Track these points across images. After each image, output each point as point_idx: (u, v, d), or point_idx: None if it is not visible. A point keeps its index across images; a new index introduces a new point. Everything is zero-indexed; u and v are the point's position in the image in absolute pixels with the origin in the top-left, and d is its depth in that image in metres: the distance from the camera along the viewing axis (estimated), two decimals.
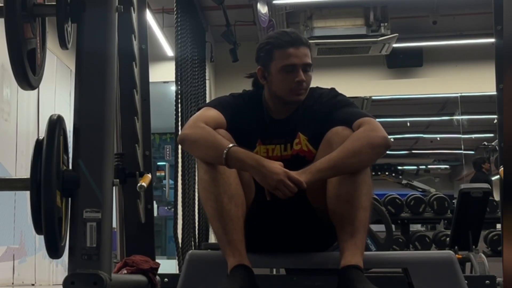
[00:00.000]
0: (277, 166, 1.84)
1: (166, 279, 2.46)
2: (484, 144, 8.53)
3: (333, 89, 2.20)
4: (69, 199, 1.74)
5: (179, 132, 4.70)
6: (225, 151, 1.85)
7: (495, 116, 2.47)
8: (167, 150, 9.74)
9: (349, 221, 1.91)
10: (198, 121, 1.96)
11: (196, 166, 2.04)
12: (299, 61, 2.04)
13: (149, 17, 4.81)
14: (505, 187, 2.19)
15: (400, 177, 11.70)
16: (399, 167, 12.06)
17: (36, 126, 5.66)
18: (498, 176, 4.53)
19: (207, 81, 6.46)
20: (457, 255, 3.90)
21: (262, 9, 6.03)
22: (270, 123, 2.11)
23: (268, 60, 2.07)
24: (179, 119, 4.70)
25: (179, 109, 4.72)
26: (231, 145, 1.86)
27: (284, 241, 2.08)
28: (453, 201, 5.84)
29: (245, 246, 1.90)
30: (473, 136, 9.97)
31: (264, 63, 2.09)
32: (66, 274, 1.64)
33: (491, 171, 8.12)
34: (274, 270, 3.49)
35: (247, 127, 2.09)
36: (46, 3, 1.90)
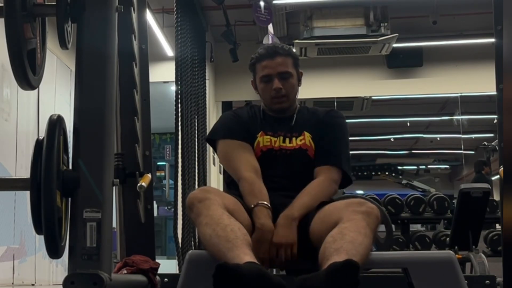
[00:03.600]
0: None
1: (166, 279, 2.46)
2: (484, 144, 8.54)
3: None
4: (69, 199, 1.74)
5: (179, 138, 4.73)
6: (253, 205, 2.09)
7: (495, 116, 2.47)
8: (167, 150, 9.74)
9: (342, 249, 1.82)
10: (242, 171, 2.21)
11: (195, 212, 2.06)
12: (273, 70, 2.30)
13: (149, 17, 4.81)
14: (505, 187, 2.19)
15: (400, 177, 11.71)
16: (399, 167, 12.07)
17: (36, 126, 5.66)
18: (497, 176, 4.52)
19: (207, 81, 6.46)
20: (457, 255, 3.90)
21: (262, 9, 6.03)
22: (268, 118, 2.37)
23: (254, 74, 2.39)
24: (179, 119, 4.70)
25: (179, 109, 4.72)
26: (260, 202, 2.10)
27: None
28: (453, 201, 5.84)
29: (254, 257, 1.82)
30: (473, 136, 9.97)
31: (253, 76, 2.40)
32: (66, 274, 1.64)
33: (491, 174, 8.12)
34: (274, 270, 3.49)
35: (250, 122, 2.36)
36: (46, 3, 1.90)
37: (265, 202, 2.09)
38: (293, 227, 2.04)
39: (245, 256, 1.78)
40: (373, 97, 8.42)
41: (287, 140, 2.30)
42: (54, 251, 1.72)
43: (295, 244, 2.01)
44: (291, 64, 2.33)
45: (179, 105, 4.73)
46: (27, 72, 1.77)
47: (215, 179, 7.14)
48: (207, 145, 4.74)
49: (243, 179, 2.18)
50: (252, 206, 2.09)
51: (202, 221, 1.96)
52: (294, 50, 2.32)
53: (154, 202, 4.11)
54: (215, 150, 2.39)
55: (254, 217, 2.06)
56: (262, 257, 1.98)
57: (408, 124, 10.37)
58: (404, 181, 11.38)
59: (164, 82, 7.25)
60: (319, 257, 1.88)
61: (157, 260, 2.43)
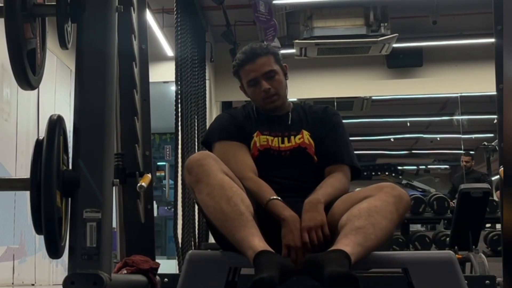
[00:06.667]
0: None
1: (166, 279, 2.47)
2: (484, 144, 8.54)
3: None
4: (69, 199, 1.74)
5: (179, 138, 4.73)
6: (266, 201, 2.07)
7: (495, 116, 2.47)
8: (167, 150, 9.74)
9: (361, 229, 1.88)
10: (245, 171, 2.17)
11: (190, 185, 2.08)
12: (258, 73, 2.29)
13: (149, 17, 4.81)
14: (505, 187, 2.19)
15: (400, 177, 11.71)
16: (399, 167, 12.07)
17: (36, 126, 5.66)
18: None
19: (207, 81, 6.46)
20: (457, 255, 3.90)
21: (262, 8, 6.04)
22: (263, 117, 2.35)
23: (240, 80, 2.37)
24: (179, 119, 4.70)
25: (179, 109, 4.72)
26: (273, 197, 2.08)
27: None
28: (453, 201, 5.84)
29: (261, 237, 1.88)
30: (473, 136, 9.97)
31: (240, 82, 2.38)
32: (66, 274, 1.64)
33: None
34: None
35: (245, 122, 2.34)
36: (46, 3, 1.90)
37: (279, 198, 2.09)
38: (320, 209, 2.03)
39: (254, 238, 1.85)
40: (373, 97, 8.42)
41: (286, 139, 2.28)
42: (54, 251, 1.72)
43: (325, 224, 1.99)
44: (273, 61, 2.31)
45: (179, 105, 4.73)
46: (27, 72, 1.77)
47: None
48: None
49: (248, 179, 2.16)
50: (266, 201, 2.06)
51: (202, 189, 1.98)
52: (272, 45, 2.34)
53: (154, 202, 4.11)
54: (211, 152, 2.38)
55: (273, 211, 2.04)
56: (295, 246, 1.96)
57: (408, 124, 10.37)
58: (404, 181, 11.37)
59: (164, 82, 7.25)
60: (339, 223, 1.93)
61: (157, 260, 2.43)
